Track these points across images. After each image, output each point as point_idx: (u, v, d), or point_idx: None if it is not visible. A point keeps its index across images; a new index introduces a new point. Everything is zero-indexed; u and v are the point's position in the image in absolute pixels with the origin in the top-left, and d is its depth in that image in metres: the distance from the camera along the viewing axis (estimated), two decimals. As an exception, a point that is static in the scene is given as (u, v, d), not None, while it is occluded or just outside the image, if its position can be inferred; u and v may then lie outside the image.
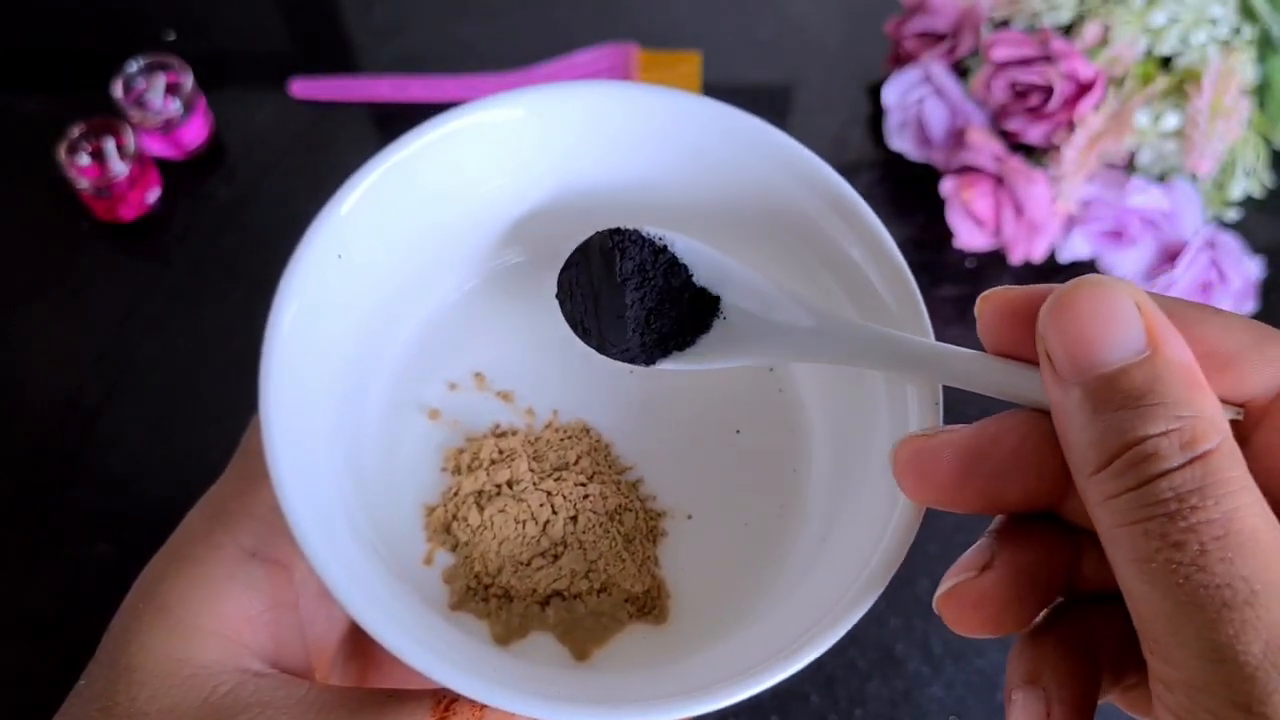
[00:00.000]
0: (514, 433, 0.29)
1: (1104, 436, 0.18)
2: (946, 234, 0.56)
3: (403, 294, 0.29)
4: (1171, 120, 0.53)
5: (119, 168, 0.54)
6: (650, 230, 0.28)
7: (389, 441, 0.29)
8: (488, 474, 0.28)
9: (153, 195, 0.56)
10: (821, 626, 0.23)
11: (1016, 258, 0.55)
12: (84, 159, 0.54)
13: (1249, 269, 0.54)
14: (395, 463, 0.29)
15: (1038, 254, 0.55)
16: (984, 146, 0.54)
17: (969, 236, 0.55)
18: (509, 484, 0.28)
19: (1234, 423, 0.20)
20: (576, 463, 0.29)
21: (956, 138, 0.56)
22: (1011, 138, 0.55)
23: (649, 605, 0.28)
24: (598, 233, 0.29)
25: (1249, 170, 0.55)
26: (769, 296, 0.26)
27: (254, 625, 0.26)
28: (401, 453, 0.29)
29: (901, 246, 0.27)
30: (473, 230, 0.30)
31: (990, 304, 0.22)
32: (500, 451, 0.29)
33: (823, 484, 0.29)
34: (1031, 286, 0.21)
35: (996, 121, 0.55)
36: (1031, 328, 0.20)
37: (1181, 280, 0.53)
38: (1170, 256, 0.54)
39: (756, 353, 0.27)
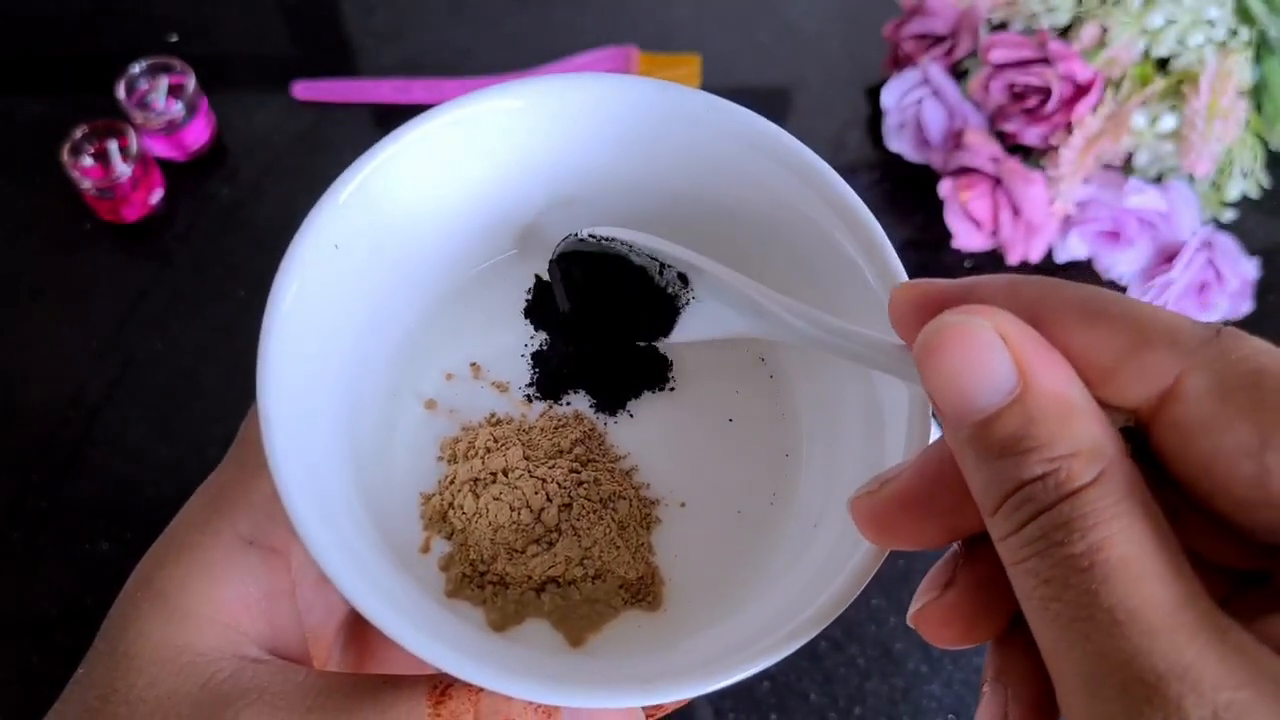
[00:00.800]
0: (509, 421, 0.30)
1: (989, 484, 0.18)
2: (944, 235, 0.56)
3: (399, 284, 0.29)
4: (1169, 121, 0.53)
5: (122, 169, 0.54)
6: (603, 230, 0.28)
7: (386, 430, 0.29)
8: (483, 462, 0.28)
9: (155, 196, 0.56)
10: (813, 612, 0.24)
11: (1014, 258, 0.55)
12: (87, 160, 0.55)
13: (1246, 269, 0.54)
14: (392, 452, 0.29)
15: (1035, 255, 0.55)
16: (982, 148, 0.54)
17: (967, 237, 0.56)
18: (503, 471, 0.28)
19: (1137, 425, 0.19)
20: (570, 450, 0.29)
21: (954, 139, 0.56)
22: (1009, 139, 0.55)
23: (643, 592, 0.28)
24: (562, 239, 0.29)
25: (1246, 171, 0.55)
26: (733, 279, 0.26)
27: (251, 612, 0.26)
28: (398, 442, 0.29)
29: (899, 248, 0.27)
30: (470, 221, 0.30)
31: (901, 296, 0.21)
32: (495, 440, 0.29)
33: (814, 471, 0.29)
34: (944, 284, 0.21)
35: (994, 123, 0.56)
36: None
37: (1179, 281, 0.53)
38: (1167, 257, 0.54)
39: (729, 327, 0.27)
